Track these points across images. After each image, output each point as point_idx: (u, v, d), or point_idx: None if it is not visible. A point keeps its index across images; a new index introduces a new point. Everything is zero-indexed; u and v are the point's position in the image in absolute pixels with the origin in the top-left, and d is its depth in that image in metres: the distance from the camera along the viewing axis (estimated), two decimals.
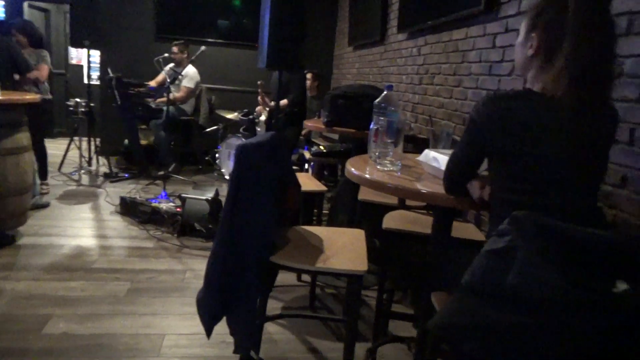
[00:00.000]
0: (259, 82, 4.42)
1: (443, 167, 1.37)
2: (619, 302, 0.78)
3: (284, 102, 4.22)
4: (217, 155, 5.39)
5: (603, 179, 1.23)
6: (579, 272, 0.83)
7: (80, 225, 3.53)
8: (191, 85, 5.26)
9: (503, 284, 0.86)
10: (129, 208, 3.80)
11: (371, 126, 1.73)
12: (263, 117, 4.70)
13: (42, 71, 4.16)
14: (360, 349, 2.13)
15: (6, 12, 6.52)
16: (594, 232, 0.89)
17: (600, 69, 1.09)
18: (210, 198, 3.43)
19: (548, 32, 1.13)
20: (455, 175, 1.31)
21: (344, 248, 1.71)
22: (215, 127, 5.52)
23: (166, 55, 5.16)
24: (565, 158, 1.09)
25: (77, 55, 7.66)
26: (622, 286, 0.80)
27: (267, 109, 4.51)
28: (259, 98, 4.56)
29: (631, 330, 0.78)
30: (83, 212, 3.85)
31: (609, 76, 1.12)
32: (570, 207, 1.12)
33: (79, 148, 5.08)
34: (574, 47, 1.07)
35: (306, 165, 4.45)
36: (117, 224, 3.63)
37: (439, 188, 1.37)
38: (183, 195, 3.51)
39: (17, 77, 3.92)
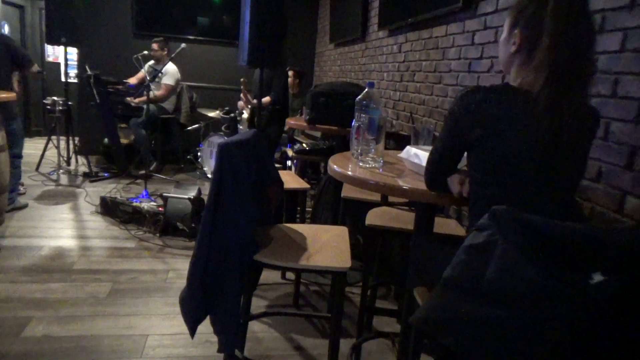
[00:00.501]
0: (242, 80, 4.39)
1: (424, 163, 1.38)
2: (596, 294, 0.81)
3: (266, 99, 4.20)
4: (199, 153, 5.35)
5: (581, 175, 1.26)
6: (557, 265, 0.85)
7: (60, 226, 3.47)
8: (171, 82, 5.20)
9: (482, 279, 0.87)
10: (109, 208, 3.75)
11: (353, 123, 1.73)
12: (245, 115, 4.67)
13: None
14: (345, 345, 2.14)
15: None
16: (571, 226, 0.91)
17: (578, 64, 1.10)
18: (192, 197, 3.40)
19: (529, 28, 1.15)
20: (435, 170, 1.33)
21: (327, 245, 1.71)
22: (196, 126, 5.48)
23: (145, 52, 5.09)
24: (536, 152, 1.11)
25: (54, 53, 7.50)
26: (598, 278, 0.82)
27: (249, 106, 4.48)
28: (242, 95, 4.54)
29: (608, 321, 0.80)
30: (62, 213, 3.78)
31: (588, 72, 1.14)
32: (544, 201, 1.14)
33: (57, 147, 4.98)
34: (552, 42, 1.09)
35: (289, 163, 4.44)
36: (97, 224, 3.58)
37: (420, 184, 1.39)
38: (165, 194, 3.47)
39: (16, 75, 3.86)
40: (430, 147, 1.48)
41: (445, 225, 2.03)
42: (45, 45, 7.19)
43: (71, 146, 5.19)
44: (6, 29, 6.69)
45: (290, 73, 5.18)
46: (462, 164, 1.32)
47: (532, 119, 1.10)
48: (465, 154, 1.27)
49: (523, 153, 1.11)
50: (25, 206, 3.82)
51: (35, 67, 4.02)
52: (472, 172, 1.23)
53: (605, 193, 1.58)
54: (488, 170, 1.17)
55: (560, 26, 1.08)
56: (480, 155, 1.18)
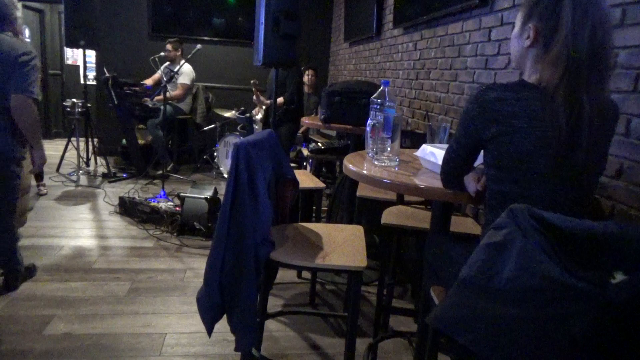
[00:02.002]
0: (252, 81, 4.41)
1: (440, 161, 1.37)
2: (617, 294, 0.79)
3: (279, 100, 4.21)
4: (215, 153, 5.39)
5: (601, 173, 1.23)
6: (576, 264, 0.83)
7: (80, 226, 3.53)
8: (187, 82, 5.25)
9: (500, 277, 0.86)
10: (128, 208, 3.80)
11: (368, 122, 1.73)
12: (259, 116, 4.70)
13: None
14: (362, 344, 2.14)
15: None
16: (592, 224, 0.89)
17: (597, 57, 1.08)
18: (208, 197, 3.43)
19: (545, 22, 1.13)
20: (451, 169, 1.31)
21: (343, 244, 1.71)
22: (212, 126, 5.52)
23: (162, 54, 5.16)
24: (552, 148, 1.09)
25: (73, 56, 7.64)
26: (620, 277, 0.81)
27: (263, 107, 4.51)
28: (254, 97, 4.56)
29: (628, 321, 0.79)
30: (82, 213, 3.85)
31: (606, 65, 1.12)
32: (559, 198, 1.12)
33: (77, 148, 5.07)
34: (570, 33, 1.06)
35: (304, 163, 4.45)
36: (116, 224, 3.63)
37: (436, 183, 1.37)
38: (182, 194, 3.51)
39: None
40: (446, 146, 1.47)
41: (462, 224, 2.01)
42: (65, 48, 7.33)
43: (90, 147, 5.28)
44: (27, 33, 6.83)
45: (310, 72, 5.21)
46: (478, 161, 1.30)
47: (549, 114, 1.08)
48: (482, 152, 1.25)
49: (539, 150, 1.10)
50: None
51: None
52: (488, 169, 1.22)
53: (626, 191, 1.54)
54: (502, 166, 1.15)
55: (579, 16, 1.06)
56: (494, 152, 1.16)
